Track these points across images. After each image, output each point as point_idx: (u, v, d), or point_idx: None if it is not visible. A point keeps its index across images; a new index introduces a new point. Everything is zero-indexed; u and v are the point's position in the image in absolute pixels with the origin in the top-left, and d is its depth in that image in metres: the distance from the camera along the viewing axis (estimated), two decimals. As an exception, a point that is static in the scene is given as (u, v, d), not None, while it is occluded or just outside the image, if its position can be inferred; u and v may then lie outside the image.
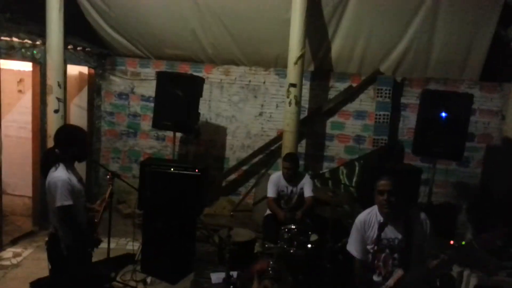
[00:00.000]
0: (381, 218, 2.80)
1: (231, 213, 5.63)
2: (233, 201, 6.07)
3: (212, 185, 6.02)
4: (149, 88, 6.30)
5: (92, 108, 6.31)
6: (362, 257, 2.86)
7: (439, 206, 5.48)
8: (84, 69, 6.19)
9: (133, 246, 4.48)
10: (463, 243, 4.12)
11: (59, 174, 2.68)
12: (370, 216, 2.92)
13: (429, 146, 4.32)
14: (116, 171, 5.46)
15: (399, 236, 2.76)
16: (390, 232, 2.77)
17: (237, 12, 5.32)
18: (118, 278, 4.05)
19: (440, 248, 3.96)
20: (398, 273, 2.66)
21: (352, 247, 2.90)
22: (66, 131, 2.93)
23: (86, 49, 5.85)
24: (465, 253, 3.82)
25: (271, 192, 4.47)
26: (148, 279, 4.15)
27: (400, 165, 5.21)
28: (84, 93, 6.27)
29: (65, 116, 5.07)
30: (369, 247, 2.84)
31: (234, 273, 3.69)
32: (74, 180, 2.77)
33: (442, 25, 5.03)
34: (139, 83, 6.42)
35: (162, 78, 5.08)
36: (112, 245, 4.13)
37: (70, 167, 2.80)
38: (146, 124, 6.40)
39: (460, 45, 5.17)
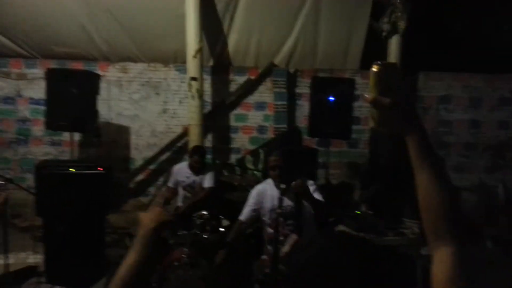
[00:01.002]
0: (275, 191, 3.06)
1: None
2: (143, 202, 5.92)
3: (119, 187, 5.81)
4: (38, 90, 5.83)
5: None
6: (246, 220, 3.22)
7: (336, 186, 6.03)
8: (-42, 73, 5.52)
9: (34, 259, 4.16)
10: (358, 212, 4.64)
11: None
12: (264, 188, 3.24)
13: (322, 128, 4.77)
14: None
15: (291, 204, 3.04)
16: (284, 201, 3.04)
17: (129, 6, 5.25)
18: (20, 292, 3.74)
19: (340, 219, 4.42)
20: (292, 238, 2.94)
21: (243, 214, 3.23)
22: None
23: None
24: (360, 219, 4.34)
25: (171, 182, 4.63)
26: (56, 289, 3.89)
27: (298, 147, 5.65)
28: (-40, 99, 5.59)
29: None
30: (264, 218, 3.12)
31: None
32: None
33: (324, 20, 5.57)
34: (26, 85, 5.91)
35: (52, 75, 4.76)
36: (11, 261, 3.82)
37: None
38: (38, 129, 5.92)
39: (341, 38, 5.77)
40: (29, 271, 4.12)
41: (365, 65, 6.02)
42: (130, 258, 1.15)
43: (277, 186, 3.09)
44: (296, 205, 3.03)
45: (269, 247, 3.22)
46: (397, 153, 5.79)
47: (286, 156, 3.28)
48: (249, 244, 4.11)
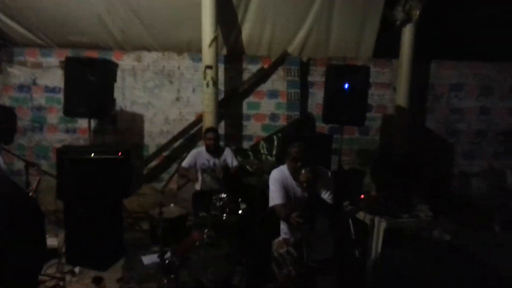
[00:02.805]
0: (293, 181, 3.11)
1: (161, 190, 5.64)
2: (156, 188, 6.02)
3: (133, 173, 5.90)
4: (54, 79, 5.94)
5: (-2, 103, 5.74)
6: (284, 200, 3.17)
7: (347, 172, 6.09)
8: (-25, 61, 5.60)
9: (55, 241, 4.24)
10: (370, 196, 4.68)
11: None
12: (282, 176, 3.26)
13: (336, 114, 4.82)
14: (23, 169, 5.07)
15: (305, 194, 3.10)
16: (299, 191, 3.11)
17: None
18: (42, 272, 3.83)
19: (353, 202, 4.48)
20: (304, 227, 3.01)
21: (276, 197, 3.19)
22: None
23: (-23, 38, 5.31)
24: (374, 203, 4.39)
25: (185, 163, 4.67)
26: (76, 269, 3.98)
27: (313, 133, 5.71)
28: (-22, 87, 5.68)
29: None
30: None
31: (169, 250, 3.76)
32: (1, 161, 2.61)
33: (338, 9, 5.57)
34: (41, 74, 5.99)
35: (71, 64, 4.82)
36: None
37: None
38: (53, 117, 6.02)
39: (354, 26, 5.77)
40: (50, 253, 4.20)
41: (378, 54, 6.04)
42: None
43: (296, 178, 3.13)
44: (310, 195, 3.05)
45: (285, 229, 3.31)
46: (409, 141, 5.86)
47: (306, 147, 3.26)
48: (265, 225, 4.20)
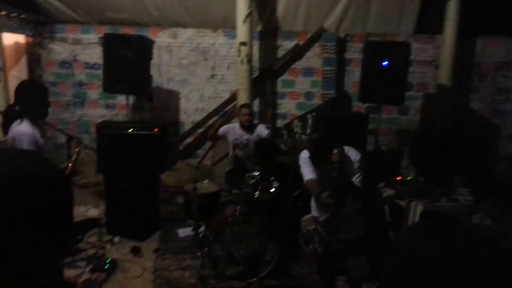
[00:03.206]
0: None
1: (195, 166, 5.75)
2: (192, 163, 6.14)
3: (170, 149, 6.03)
4: (93, 55, 6.08)
5: (33, 78, 5.97)
6: (316, 176, 3.22)
7: (384, 152, 5.95)
8: (21, 38, 5.81)
9: (96, 211, 4.45)
10: (409, 178, 4.58)
11: (24, 127, 2.63)
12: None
13: (374, 93, 4.68)
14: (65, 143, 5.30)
15: (335, 175, 3.00)
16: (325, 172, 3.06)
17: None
18: (84, 240, 4.04)
19: (389, 184, 4.38)
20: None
21: (307, 173, 3.27)
22: (24, 86, 2.86)
23: (21, 16, 5.49)
24: (411, 186, 4.28)
25: (220, 131, 4.68)
26: (116, 239, 4.17)
27: (349, 112, 5.59)
28: (23, 63, 5.91)
29: (6, 87, 4.79)
30: None
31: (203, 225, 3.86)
32: (38, 135, 2.73)
33: (379, -19, 5.35)
34: (81, 50, 6.15)
35: (109, 40, 4.93)
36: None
37: (34, 123, 2.75)
38: (93, 93, 6.20)
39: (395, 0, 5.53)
40: (91, 223, 4.42)
41: (420, 30, 5.76)
42: None
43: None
44: (339, 175, 2.99)
45: (315, 207, 3.32)
46: (451, 122, 5.61)
47: (333, 122, 3.24)
48: (296, 204, 4.21)
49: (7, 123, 2.69)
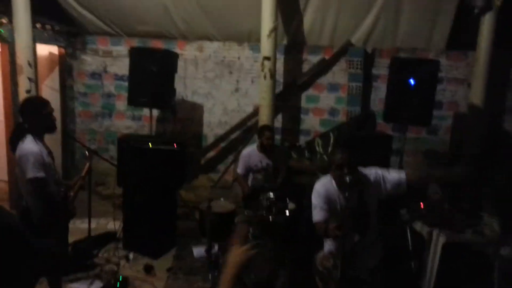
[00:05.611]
0: (339, 192, 2.92)
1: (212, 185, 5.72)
2: (212, 178, 6.13)
3: (191, 163, 6.06)
4: (123, 67, 6.21)
5: (64, 89, 6.19)
6: (326, 217, 2.94)
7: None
8: (54, 49, 6.05)
9: (114, 225, 4.50)
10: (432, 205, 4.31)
11: (28, 146, 2.65)
12: (326, 189, 2.99)
13: (399, 112, 4.43)
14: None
15: (355, 204, 2.84)
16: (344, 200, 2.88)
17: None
18: (100, 255, 4.10)
19: (412, 211, 4.17)
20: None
21: (316, 214, 2.96)
22: (28, 102, 2.88)
23: (55, 28, 5.71)
24: (435, 213, 4.05)
25: (240, 168, 4.65)
26: (130, 255, 4.20)
27: (372, 133, 5.39)
28: (55, 73, 6.14)
29: (37, 97, 4.97)
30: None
31: (216, 245, 3.80)
32: (44, 152, 2.74)
33: (409, -5, 5.15)
34: (111, 62, 6.32)
35: (135, 54, 5.00)
36: (93, 225, 4.17)
37: (39, 139, 2.75)
38: (121, 104, 6.33)
39: (426, 14, 5.29)
40: (108, 237, 4.49)
41: (452, 45, 5.50)
42: None
43: (340, 187, 2.93)
44: (360, 204, 2.83)
45: (330, 243, 3.14)
46: (485, 144, 5.30)
47: (351, 152, 3.00)
48: (312, 226, 4.08)
49: (15, 140, 2.71)
